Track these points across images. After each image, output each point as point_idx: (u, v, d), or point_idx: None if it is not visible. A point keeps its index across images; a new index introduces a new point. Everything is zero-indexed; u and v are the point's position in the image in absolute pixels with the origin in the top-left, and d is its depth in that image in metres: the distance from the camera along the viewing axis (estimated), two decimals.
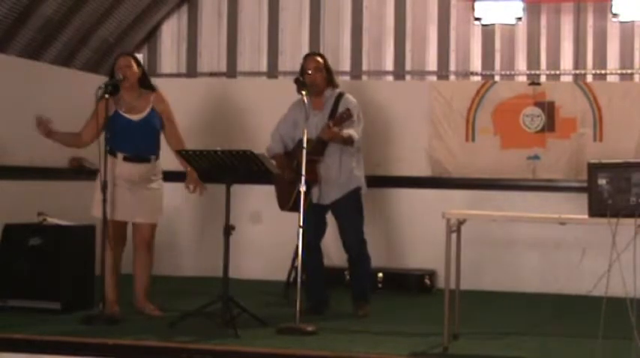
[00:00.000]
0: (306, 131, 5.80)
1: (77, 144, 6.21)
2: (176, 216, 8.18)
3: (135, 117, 6.02)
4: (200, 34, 8.92)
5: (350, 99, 6.29)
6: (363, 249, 6.34)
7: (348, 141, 6.14)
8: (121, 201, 5.92)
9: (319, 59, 6.34)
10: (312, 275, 6.29)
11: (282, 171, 6.14)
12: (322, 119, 6.19)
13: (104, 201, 5.69)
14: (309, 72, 6.24)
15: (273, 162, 6.04)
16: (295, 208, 5.98)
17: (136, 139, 6.00)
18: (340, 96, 6.31)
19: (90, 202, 5.99)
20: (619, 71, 8.10)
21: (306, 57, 6.41)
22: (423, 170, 8.15)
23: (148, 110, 6.07)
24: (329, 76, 6.33)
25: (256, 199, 8.10)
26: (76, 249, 6.34)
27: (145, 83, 6.12)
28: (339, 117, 6.09)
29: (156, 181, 6.12)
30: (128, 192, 5.96)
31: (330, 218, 6.41)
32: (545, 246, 7.74)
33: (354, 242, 6.29)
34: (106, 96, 5.81)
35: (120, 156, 5.94)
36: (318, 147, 6.13)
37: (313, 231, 6.17)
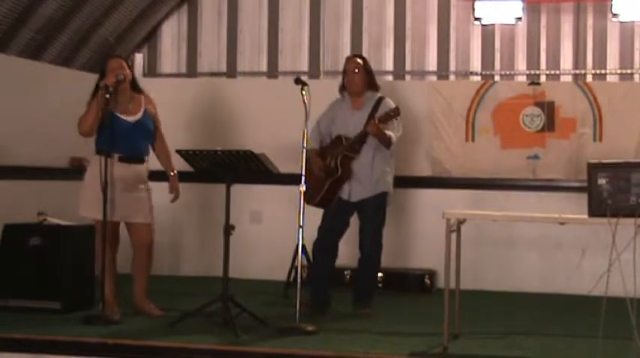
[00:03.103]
0: (305, 130, 5.81)
1: (82, 126, 5.94)
2: (176, 216, 8.18)
3: (130, 119, 6.03)
4: (200, 34, 8.92)
5: (391, 102, 6.33)
6: (377, 253, 6.36)
7: (388, 141, 6.19)
8: (112, 202, 5.90)
9: (359, 60, 6.41)
10: (319, 272, 6.30)
11: (314, 167, 6.21)
12: (360, 118, 6.23)
13: (104, 201, 5.69)
14: (349, 73, 6.33)
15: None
16: (322, 203, 6.07)
17: (131, 140, 6.01)
18: (380, 99, 6.35)
19: (77, 202, 5.98)
20: (619, 71, 8.10)
21: (347, 59, 6.52)
22: (423, 170, 8.15)
23: (141, 111, 6.09)
24: (369, 78, 6.37)
25: (256, 199, 8.11)
26: (76, 249, 6.34)
27: (134, 85, 6.14)
28: (386, 114, 6.15)
29: (147, 182, 6.14)
30: (122, 193, 5.95)
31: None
32: (545, 246, 7.74)
33: (370, 244, 6.31)
34: (107, 96, 5.80)
35: (115, 156, 5.94)
36: (355, 145, 6.19)
37: (333, 228, 6.23)
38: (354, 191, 6.28)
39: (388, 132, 6.19)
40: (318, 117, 6.47)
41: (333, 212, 6.25)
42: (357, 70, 6.34)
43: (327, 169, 6.24)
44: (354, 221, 6.41)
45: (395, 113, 6.16)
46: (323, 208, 6.31)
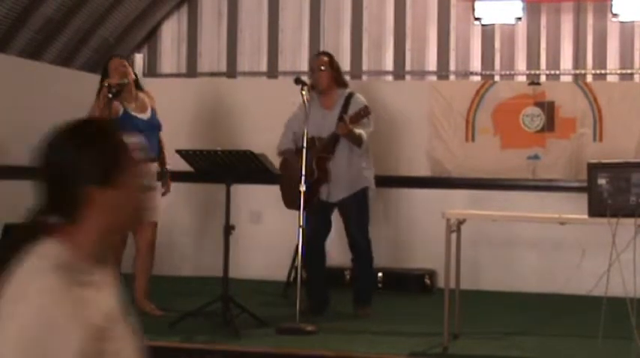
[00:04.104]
0: (306, 130, 5.82)
1: None
2: (176, 216, 8.18)
3: (144, 116, 6.05)
4: (200, 34, 8.92)
5: (361, 98, 6.31)
6: (367, 249, 6.35)
7: (358, 140, 6.16)
8: None
9: (325, 58, 6.38)
10: (314, 274, 6.30)
11: (292, 167, 6.15)
12: (332, 118, 6.21)
13: None
14: (315, 71, 6.28)
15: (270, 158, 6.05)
16: (303, 206, 6.05)
17: (145, 138, 6.01)
18: (350, 95, 6.33)
19: None
20: (619, 71, 8.10)
21: (313, 57, 6.47)
22: (423, 170, 8.15)
23: (149, 109, 6.11)
24: (336, 75, 6.35)
25: (256, 199, 8.10)
26: None
27: (137, 84, 6.16)
28: (357, 114, 6.12)
29: (154, 180, 6.17)
30: None
31: (334, 218, 6.41)
32: (545, 246, 7.74)
33: (359, 241, 6.30)
34: (110, 95, 5.80)
35: None
36: (329, 145, 6.17)
37: (318, 230, 6.21)
38: (333, 191, 6.24)
39: (358, 131, 6.14)
40: (287, 120, 6.45)
41: (315, 215, 6.20)
42: (322, 68, 6.29)
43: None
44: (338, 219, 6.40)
45: (365, 112, 6.11)
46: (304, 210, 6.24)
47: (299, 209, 6.14)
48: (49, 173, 1.84)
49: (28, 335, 1.66)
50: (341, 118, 6.13)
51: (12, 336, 1.67)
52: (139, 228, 6.10)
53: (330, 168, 6.20)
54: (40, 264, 1.78)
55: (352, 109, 6.19)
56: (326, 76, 6.28)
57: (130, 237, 6.15)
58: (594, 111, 7.83)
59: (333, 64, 6.36)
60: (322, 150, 6.16)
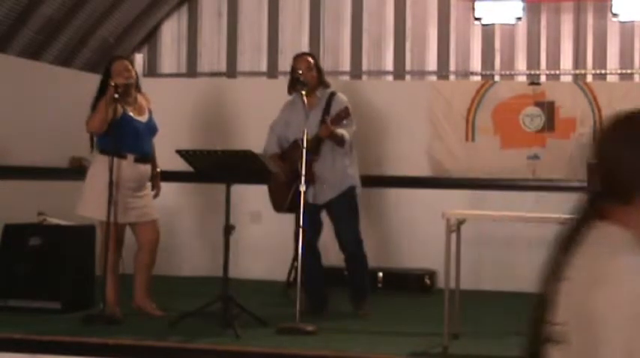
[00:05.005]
0: (306, 131, 5.81)
1: (91, 124, 5.93)
2: (176, 216, 8.18)
3: (142, 119, 6.06)
4: (200, 34, 8.92)
5: (342, 98, 6.30)
6: (359, 249, 6.34)
7: (341, 140, 6.15)
8: (125, 204, 5.91)
9: (310, 59, 6.36)
10: (311, 275, 6.29)
11: (279, 172, 6.15)
12: (315, 118, 6.19)
13: (109, 202, 5.70)
14: (300, 72, 6.25)
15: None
16: (292, 209, 6.01)
17: (143, 140, 6.05)
18: (332, 95, 6.32)
19: (78, 201, 5.98)
20: (619, 71, 8.10)
21: (297, 57, 6.44)
22: (423, 170, 8.14)
23: (147, 112, 6.12)
24: (319, 76, 6.34)
25: (256, 199, 8.09)
26: (76, 249, 6.34)
27: (137, 85, 6.16)
28: (338, 115, 6.10)
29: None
30: (132, 194, 5.96)
31: (325, 218, 6.41)
32: (545, 246, 7.69)
33: (350, 241, 6.29)
34: (116, 95, 5.79)
35: (130, 157, 5.95)
36: (314, 147, 6.15)
37: (310, 231, 6.18)
38: (319, 193, 6.23)
39: (340, 131, 6.13)
40: (271, 123, 6.45)
41: (305, 217, 6.15)
42: (309, 69, 6.26)
43: (291, 174, 6.16)
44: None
45: (345, 114, 6.10)
46: (293, 213, 6.23)
47: (287, 212, 6.14)
48: (607, 161, 2.04)
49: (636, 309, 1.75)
50: (323, 121, 6.12)
51: (619, 308, 1.76)
52: (141, 227, 6.10)
53: (315, 169, 6.19)
54: (612, 245, 1.89)
55: (334, 109, 6.18)
56: (311, 77, 6.26)
57: (129, 236, 6.15)
58: (594, 111, 7.83)
59: (317, 65, 6.35)
60: (307, 151, 6.15)
